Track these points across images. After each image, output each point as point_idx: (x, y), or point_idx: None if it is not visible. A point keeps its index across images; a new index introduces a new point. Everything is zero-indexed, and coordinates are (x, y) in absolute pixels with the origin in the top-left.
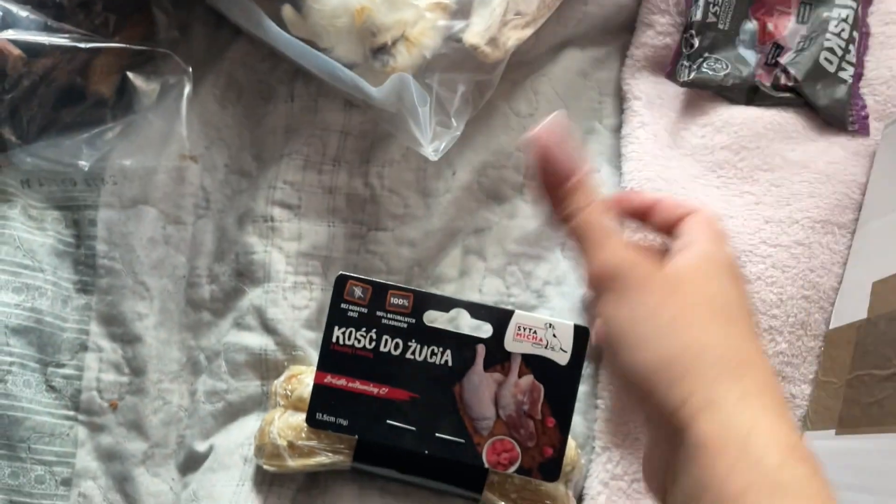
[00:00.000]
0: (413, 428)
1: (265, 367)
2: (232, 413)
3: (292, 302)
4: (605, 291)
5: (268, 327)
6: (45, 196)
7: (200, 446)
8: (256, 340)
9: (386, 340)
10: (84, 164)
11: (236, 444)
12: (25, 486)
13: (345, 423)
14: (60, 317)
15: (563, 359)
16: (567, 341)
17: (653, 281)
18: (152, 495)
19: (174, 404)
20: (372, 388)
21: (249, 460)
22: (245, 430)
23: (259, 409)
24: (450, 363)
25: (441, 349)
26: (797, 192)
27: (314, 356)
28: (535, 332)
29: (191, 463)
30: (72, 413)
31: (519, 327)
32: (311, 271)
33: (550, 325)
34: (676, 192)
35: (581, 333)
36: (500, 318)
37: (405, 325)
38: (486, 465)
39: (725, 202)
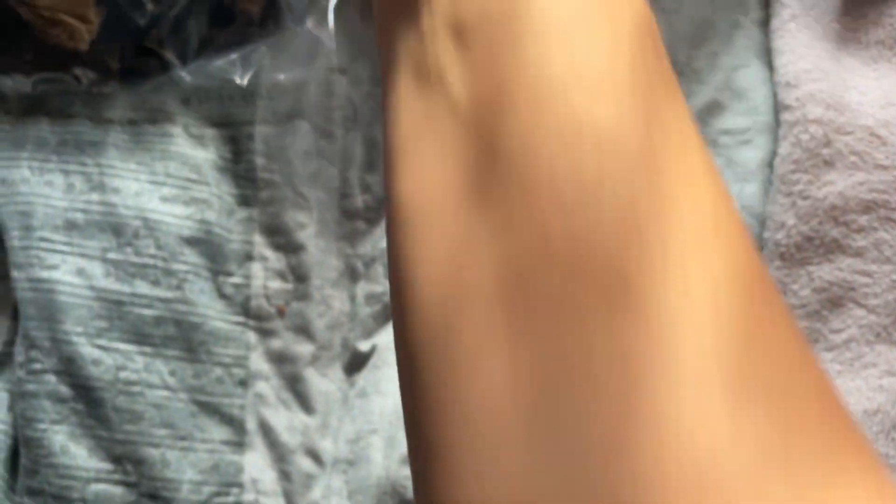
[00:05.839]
0: None
1: None
2: (390, 314)
3: None
4: None
5: None
6: (205, 114)
7: (364, 346)
8: None
9: None
10: (240, 80)
11: None
12: (207, 386)
13: None
14: (227, 228)
15: None
16: None
17: None
18: (322, 394)
19: (336, 309)
20: None
21: None
22: None
23: None
24: None
25: None
26: None
27: None
28: None
29: (355, 363)
30: (242, 319)
31: None
32: None
33: None
34: (835, 83)
35: None
36: None
37: None
38: None
39: (886, 92)
